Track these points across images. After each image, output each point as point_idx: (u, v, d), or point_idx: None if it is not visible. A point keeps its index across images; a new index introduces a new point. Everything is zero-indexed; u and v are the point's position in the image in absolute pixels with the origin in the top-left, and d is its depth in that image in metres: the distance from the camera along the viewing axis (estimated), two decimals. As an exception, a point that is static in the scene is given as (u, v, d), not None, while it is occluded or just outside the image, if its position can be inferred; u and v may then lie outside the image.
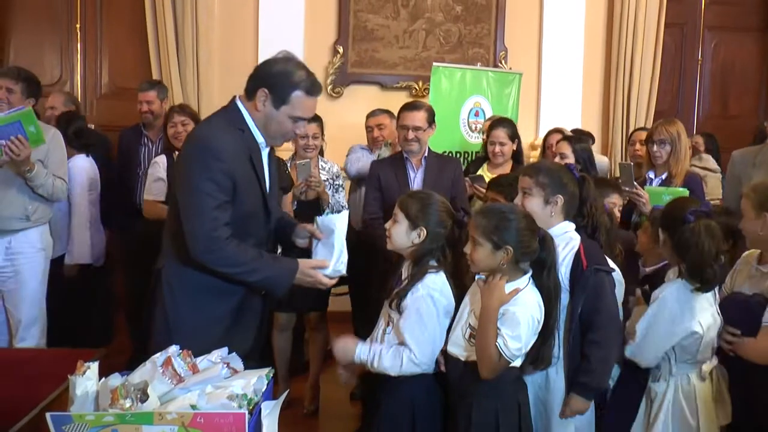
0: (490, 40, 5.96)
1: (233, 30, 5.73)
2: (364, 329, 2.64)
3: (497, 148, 4.18)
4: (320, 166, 4.21)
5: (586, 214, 2.63)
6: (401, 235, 2.53)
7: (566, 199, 2.54)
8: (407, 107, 3.94)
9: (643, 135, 4.47)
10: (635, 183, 3.66)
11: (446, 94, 5.02)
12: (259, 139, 2.49)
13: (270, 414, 1.93)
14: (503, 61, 5.95)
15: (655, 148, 3.89)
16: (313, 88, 2.45)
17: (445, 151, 4.69)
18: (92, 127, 5.19)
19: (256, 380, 1.98)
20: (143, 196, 4.30)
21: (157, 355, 1.98)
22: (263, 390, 1.99)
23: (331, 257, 2.57)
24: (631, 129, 5.73)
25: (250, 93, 2.45)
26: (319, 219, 2.62)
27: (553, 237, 2.42)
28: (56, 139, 3.98)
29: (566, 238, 2.50)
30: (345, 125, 4.90)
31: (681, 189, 3.67)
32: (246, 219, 2.48)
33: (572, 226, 2.57)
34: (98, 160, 4.59)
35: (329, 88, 5.76)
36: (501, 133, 4.19)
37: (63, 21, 5.83)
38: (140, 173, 4.65)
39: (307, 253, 2.68)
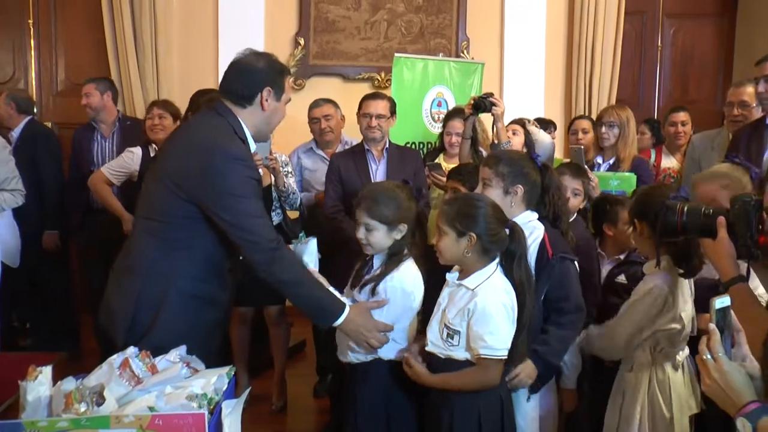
0: (451, 30, 5.95)
1: (192, 22, 5.65)
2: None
3: (453, 138, 4.14)
4: (271, 152, 4.11)
5: (548, 203, 2.63)
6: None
7: (527, 189, 2.53)
8: (370, 96, 3.96)
9: (585, 123, 4.57)
10: (586, 167, 3.71)
11: (408, 84, 4.99)
12: (252, 147, 2.49)
13: (232, 413, 1.90)
14: (465, 51, 5.95)
15: (603, 129, 4.02)
16: (288, 69, 2.59)
17: (408, 142, 4.67)
18: (49, 125, 5.11)
19: (216, 379, 1.95)
20: (97, 171, 4.31)
21: (114, 356, 1.94)
22: (224, 389, 1.97)
23: None
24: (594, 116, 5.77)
25: (247, 99, 2.41)
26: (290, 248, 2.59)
27: None
28: (2, 154, 3.88)
29: (530, 227, 2.49)
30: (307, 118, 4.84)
31: (628, 174, 3.76)
32: None
33: (535, 215, 2.57)
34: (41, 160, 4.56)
35: (291, 80, 5.65)
36: (457, 123, 4.13)
37: (14, 17, 5.71)
38: (92, 171, 4.55)
39: None
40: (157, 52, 5.51)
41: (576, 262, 2.60)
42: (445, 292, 2.39)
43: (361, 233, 2.47)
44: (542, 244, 2.48)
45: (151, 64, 5.48)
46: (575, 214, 3.20)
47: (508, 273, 2.31)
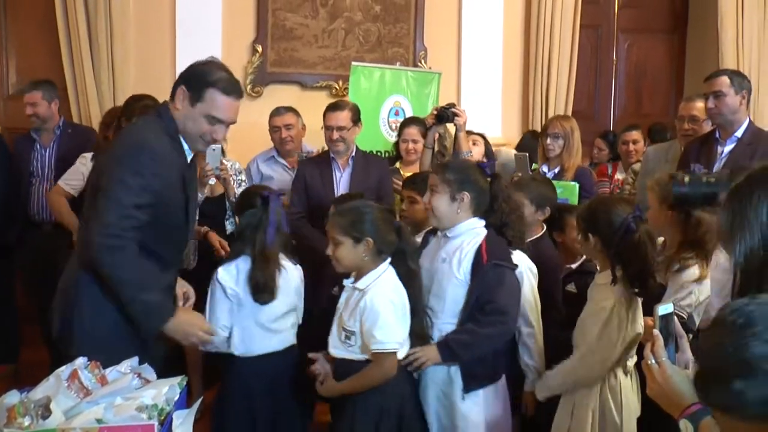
0: (409, 39, 5.98)
1: (149, 28, 5.57)
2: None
3: (410, 146, 4.20)
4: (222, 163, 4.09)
5: (496, 210, 2.68)
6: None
7: (473, 196, 2.60)
8: (331, 107, 3.93)
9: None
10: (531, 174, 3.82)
11: (366, 93, 5.00)
12: (185, 146, 2.47)
13: (183, 423, 1.88)
14: (423, 61, 5.98)
15: (548, 141, 4.12)
16: (231, 87, 2.43)
17: (364, 151, 4.67)
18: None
19: (167, 389, 1.93)
20: (55, 186, 4.11)
21: (63, 368, 1.91)
22: (176, 399, 1.95)
23: None
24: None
25: (171, 94, 2.44)
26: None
27: (460, 233, 2.57)
28: None
29: (472, 234, 2.59)
30: (265, 126, 4.80)
31: (572, 183, 3.88)
32: (169, 228, 2.45)
33: (481, 222, 2.63)
34: None
35: (248, 87, 5.67)
36: (413, 131, 4.22)
37: (-38, 18, 5.57)
38: (32, 182, 4.39)
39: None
40: (113, 58, 5.40)
41: (527, 273, 2.65)
42: (342, 297, 2.56)
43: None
44: (479, 250, 2.54)
45: (107, 69, 5.37)
46: (542, 232, 3.22)
47: (401, 268, 2.50)
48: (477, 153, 4.16)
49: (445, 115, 3.82)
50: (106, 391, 1.88)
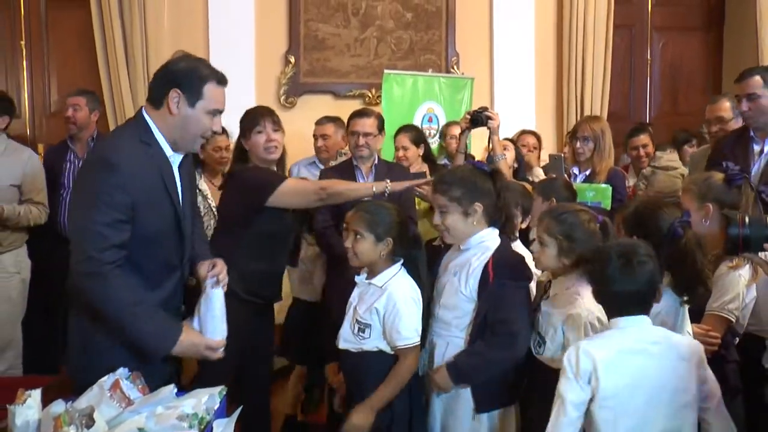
0: (441, 46, 5.98)
1: (183, 42, 5.63)
2: (333, 336, 2.66)
3: (401, 153, 4.26)
4: None
5: (499, 207, 2.60)
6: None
7: (485, 203, 2.54)
8: (357, 114, 3.93)
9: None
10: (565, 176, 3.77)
11: (399, 100, 5.02)
12: (168, 152, 2.37)
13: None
14: (455, 67, 5.97)
15: (578, 144, 4.00)
16: (220, 76, 2.39)
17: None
18: (42, 147, 5.07)
19: (207, 398, 1.96)
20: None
21: (105, 378, 1.95)
22: (215, 408, 1.97)
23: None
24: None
25: (157, 100, 2.34)
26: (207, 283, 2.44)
27: (471, 246, 2.54)
28: (32, 161, 3.88)
29: (482, 248, 2.53)
30: (299, 135, 4.85)
31: (604, 186, 3.76)
32: (155, 239, 2.33)
33: (494, 233, 2.57)
34: None
35: (282, 98, 5.74)
36: (403, 138, 4.30)
37: (6, 38, 5.73)
38: (64, 195, 4.27)
39: None
40: (148, 71, 5.50)
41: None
42: (355, 293, 2.62)
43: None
44: (485, 268, 2.48)
45: (142, 82, 5.48)
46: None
47: (411, 272, 2.56)
48: (509, 158, 4.15)
49: (479, 118, 3.81)
50: (147, 400, 1.92)
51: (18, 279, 3.83)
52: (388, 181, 3.25)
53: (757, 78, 3.55)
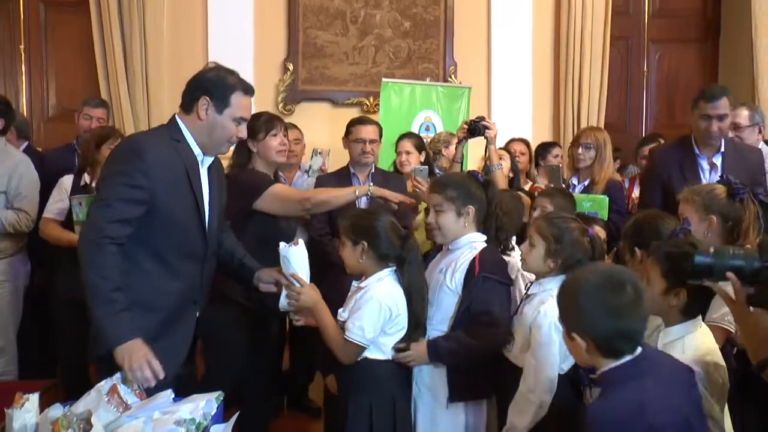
0: (439, 55, 6.01)
1: (182, 48, 5.68)
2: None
3: (403, 157, 4.27)
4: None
5: (491, 214, 2.76)
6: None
7: (477, 208, 2.69)
8: (361, 121, 3.96)
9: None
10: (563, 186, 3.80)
11: (396, 109, 5.04)
12: (196, 150, 2.49)
13: (220, 438, 1.91)
14: (453, 76, 6.00)
15: (580, 150, 4.06)
16: (248, 87, 2.54)
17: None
18: (40, 151, 5.06)
19: (204, 404, 1.96)
20: (41, 220, 3.82)
21: (102, 383, 1.96)
22: (212, 413, 1.98)
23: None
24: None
25: (187, 106, 2.49)
26: (280, 247, 2.61)
27: (460, 246, 2.66)
28: (20, 167, 3.85)
29: (470, 247, 2.67)
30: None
31: (601, 196, 3.80)
32: (176, 229, 2.43)
33: (481, 237, 2.71)
34: None
35: (280, 105, 5.75)
36: (407, 144, 4.31)
37: (6, 43, 5.73)
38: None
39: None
40: (147, 77, 5.54)
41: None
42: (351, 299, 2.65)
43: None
44: (472, 262, 2.61)
45: (141, 88, 5.51)
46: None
47: (404, 278, 2.58)
48: (505, 167, 4.17)
49: (476, 128, 3.84)
50: (144, 405, 1.92)
51: (8, 287, 3.82)
52: (371, 183, 3.37)
53: (725, 100, 3.63)
